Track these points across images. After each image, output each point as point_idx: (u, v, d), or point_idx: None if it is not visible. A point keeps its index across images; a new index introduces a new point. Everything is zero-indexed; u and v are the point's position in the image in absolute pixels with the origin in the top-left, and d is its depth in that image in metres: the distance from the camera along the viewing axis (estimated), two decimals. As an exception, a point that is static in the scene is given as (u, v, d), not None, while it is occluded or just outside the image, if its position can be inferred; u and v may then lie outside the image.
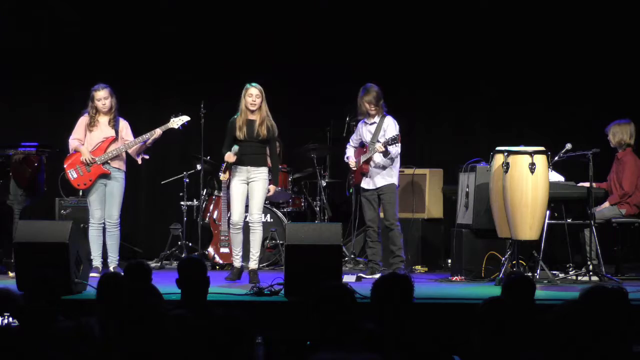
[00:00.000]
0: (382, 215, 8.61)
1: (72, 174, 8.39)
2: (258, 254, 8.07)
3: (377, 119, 8.50)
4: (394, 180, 8.50)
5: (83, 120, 8.44)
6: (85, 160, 8.33)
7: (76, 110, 8.79)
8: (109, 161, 8.37)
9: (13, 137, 9.43)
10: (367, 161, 8.48)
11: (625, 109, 9.01)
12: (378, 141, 8.37)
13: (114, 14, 10.48)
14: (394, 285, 4.35)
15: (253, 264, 8.05)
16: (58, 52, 10.51)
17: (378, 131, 8.46)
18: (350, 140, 8.79)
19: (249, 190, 8.06)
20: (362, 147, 8.64)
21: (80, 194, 8.40)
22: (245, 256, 8.16)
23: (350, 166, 8.64)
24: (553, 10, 10.33)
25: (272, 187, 8.09)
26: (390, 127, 8.43)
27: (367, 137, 8.54)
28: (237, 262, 8.13)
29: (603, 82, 10.20)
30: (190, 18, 10.60)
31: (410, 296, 4.38)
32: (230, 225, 8.14)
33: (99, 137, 8.41)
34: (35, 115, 10.57)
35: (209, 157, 9.73)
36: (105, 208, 8.36)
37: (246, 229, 8.16)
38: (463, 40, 10.48)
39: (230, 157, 8.00)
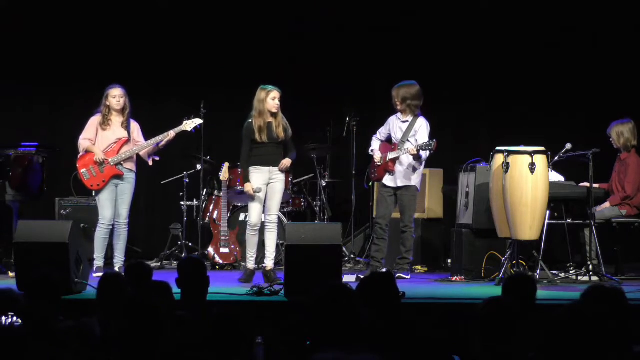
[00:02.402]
0: (394, 215, 8.58)
1: (85, 175, 8.31)
2: (275, 253, 8.10)
3: (409, 118, 8.40)
4: (416, 182, 8.41)
5: (95, 120, 8.36)
6: (99, 160, 8.30)
7: (76, 111, 8.80)
8: (122, 162, 8.35)
9: (13, 137, 9.44)
10: (394, 159, 8.41)
11: (625, 109, 9.01)
12: (408, 141, 8.32)
13: (114, 14, 10.48)
14: (377, 285, 4.36)
15: (270, 263, 8.06)
16: (58, 52, 10.50)
17: (409, 131, 8.36)
18: (377, 132, 8.63)
19: (268, 190, 8.08)
20: (388, 141, 8.57)
21: (94, 194, 8.38)
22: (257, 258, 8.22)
23: (375, 160, 8.52)
24: (553, 10, 10.33)
25: (287, 160, 8.10)
26: (422, 128, 8.34)
27: (398, 135, 8.43)
28: (251, 264, 8.13)
29: (603, 82, 10.20)
30: (190, 18, 10.59)
31: (395, 294, 4.39)
32: (248, 227, 8.15)
33: (112, 138, 8.37)
34: (35, 115, 10.57)
35: (209, 157, 9.73)
36: (115, 208, 8.34)
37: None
38: (463, 40, 10.47)
39: (250, 189, 8.03)
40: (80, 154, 8.37)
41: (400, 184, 8.40)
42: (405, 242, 8.43)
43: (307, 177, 10.15)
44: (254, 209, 8.08)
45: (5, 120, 10.32)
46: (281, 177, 8.11)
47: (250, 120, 8.06)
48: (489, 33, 10.43)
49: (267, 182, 8.08)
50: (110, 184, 8.31)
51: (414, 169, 8.37)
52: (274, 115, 8.04)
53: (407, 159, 8.34)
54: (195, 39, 10.58)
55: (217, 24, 10.58)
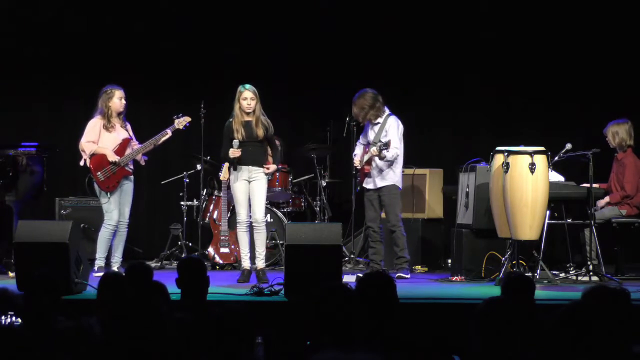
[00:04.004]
0: (383, 216, 8.61)
1: (100, 177, 8.29)
2: (264, 252, 8.11)
3: (380, 120, 8.48)
4: (395, 181, 8.47)
5: (98, 122, 8.34)
6: (114, 162, 8.28)
7: (76, 111, 8.79)
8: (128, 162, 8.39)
9: (13, 137, 9.43)
10: (369, 162, 8.48)
11: (624, 109, 9.01)
12: (380, 141, 8.36)
13: (114, 14, 10.47)
14: (374, 284, 4.36)
15: (260, 263, 8.07)
16: (58, 52, 10.49)
17: (380, 132, 8.45)
18: (360, 137, 8.75)
19: (249, 190, 8.07)
20: (368, 145, 8.64)
21: (109, 195, 8.29)
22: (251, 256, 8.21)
23: (355, 165, 8.63)
24: (553, 9, 10.33)
25: (273, 166, 8.14)
26: (392, 128, 8.41)
27: (371, 137, 8.52)
28: (246, 263, 8.12)
29: (603, 81, 10.20)
30: (189, 18, 10.59)
31: (393, 294, 4.39)
32: (237, 224, 8.15)
33: (118, 139, 8.38)
34: (36, 115, 10.57)
35: (209, 157, 9.72)
36: (119, 209, 8.35)
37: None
38: (463, 40, 10.47)
39: (235, 152, 8.01)
40: (87, 157, 8.32)
41: (379, 184, 8.48)
42: (397, 242, 8.47)
43: (306, 177, 10.15)
44: (240, 205, 8.07)
45: (5, 120, 10.32)
46: (262, 176, 8.10)
47: (230, 120, 8.08)
48: (489, 31, 10.42)
49: (248, 180, 8.07)
50: (119, 185, 8.33)
51: (389, 168, 8.40)
52: (250, 114, 8.03)
53: (379, 160, 8.38)
54: (195, 37, 10.57)
55: (217, 23, 10.57)
